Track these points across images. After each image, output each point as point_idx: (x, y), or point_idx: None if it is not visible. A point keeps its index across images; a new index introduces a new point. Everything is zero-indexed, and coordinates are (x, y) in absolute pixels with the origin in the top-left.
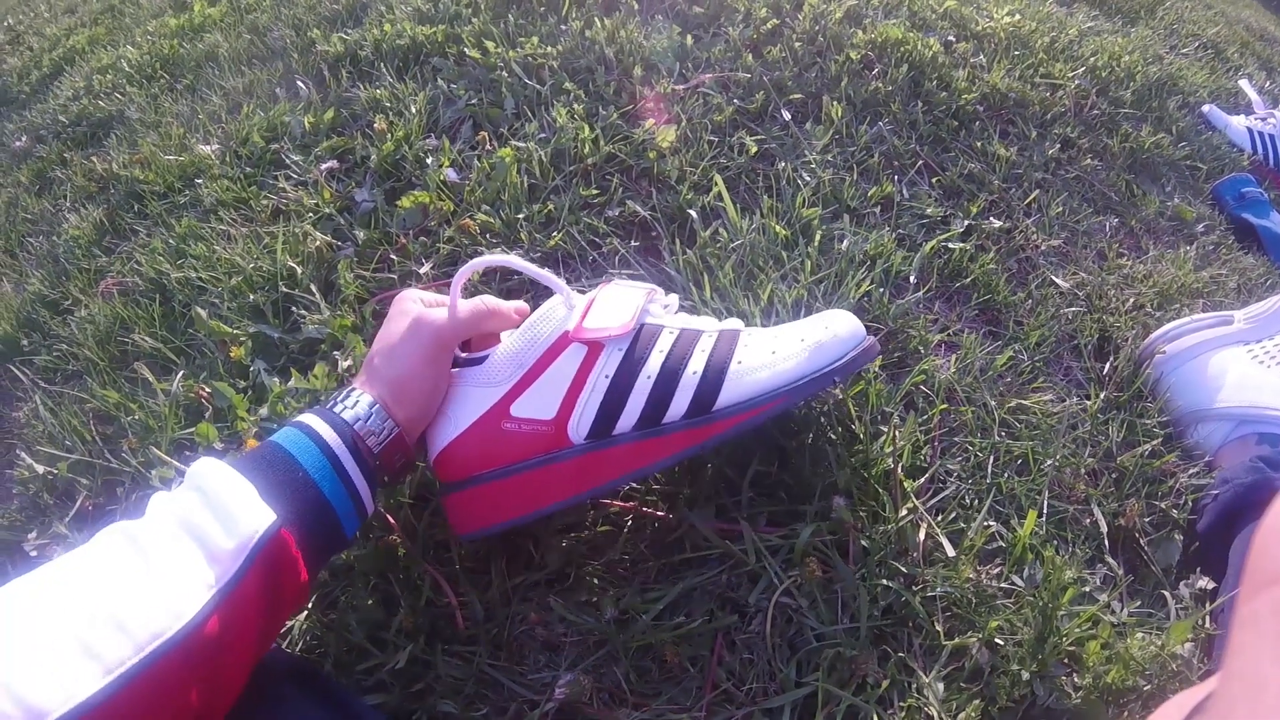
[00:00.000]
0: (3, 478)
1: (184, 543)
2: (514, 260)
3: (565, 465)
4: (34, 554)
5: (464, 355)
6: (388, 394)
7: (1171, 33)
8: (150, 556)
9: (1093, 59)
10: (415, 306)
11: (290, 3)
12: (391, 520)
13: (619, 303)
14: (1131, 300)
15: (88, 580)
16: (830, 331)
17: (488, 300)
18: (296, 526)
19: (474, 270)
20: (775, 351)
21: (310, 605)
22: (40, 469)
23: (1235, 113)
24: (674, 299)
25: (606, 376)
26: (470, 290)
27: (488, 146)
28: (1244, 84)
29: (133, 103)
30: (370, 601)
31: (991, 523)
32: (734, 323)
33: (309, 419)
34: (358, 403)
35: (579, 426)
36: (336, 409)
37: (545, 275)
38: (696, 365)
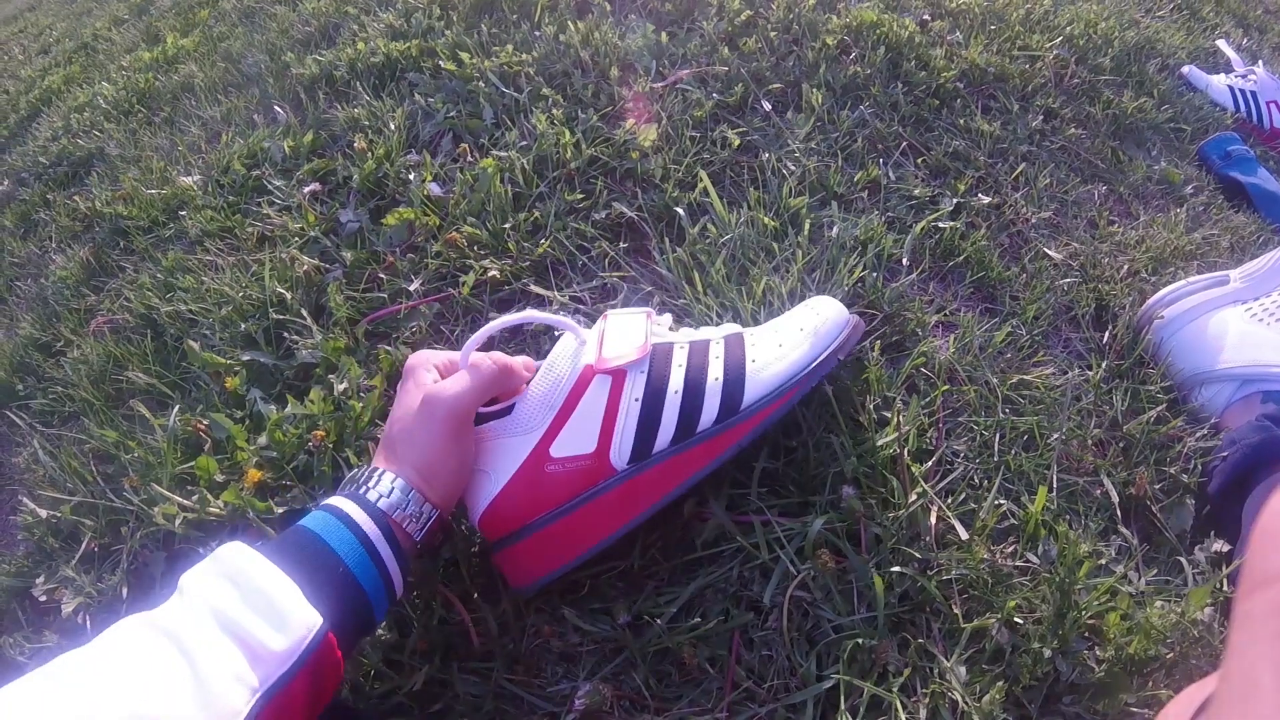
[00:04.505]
0: (7, 524)
1: (226, 643)
2: (530, 315)
3: (614, 494)
4: (43, 599)
5: (488, 410)
6: (417, 477)
7: None
8: (195, 660)
9: (1069, 28)
10: (427, 378)
11: (263, 28)
12: None
13: (627, 329)
14: (1126, 267)
15: (132, 684)
16: (822, 317)
17: (496, 358)
18: (339, 625)
19: (490, 334)
20: (782, 345)
21: None
22: (44, 513)
23: (1215, 72)
24: (667, 317)
25: (636, 400)
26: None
27: (469, 158)
28: (1222, 44)
29: (112, 139)
30: (383, 624)
31: (1002, 501)
32: (730, 326)
33: (344, 505)
34: (393, 489)
35: (620, 452)
36: (369, 494)
37: (556, 319)
38: (716, 372)
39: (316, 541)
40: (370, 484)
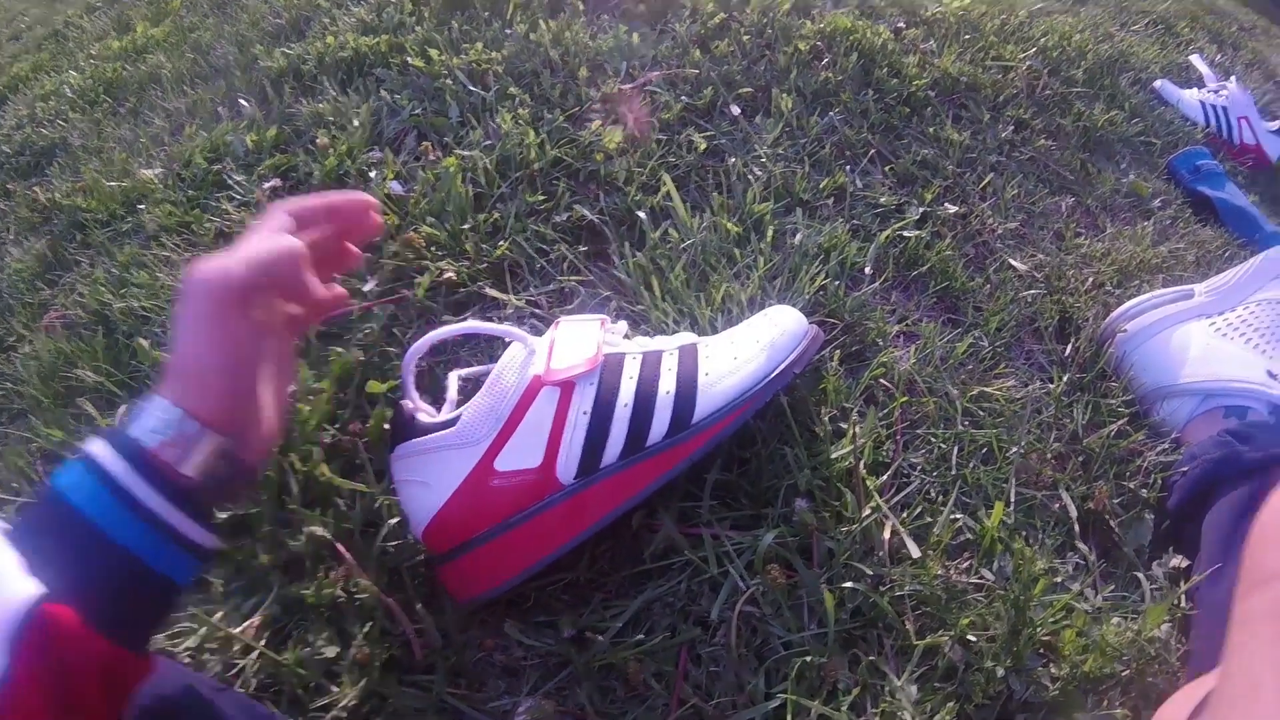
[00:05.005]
0: None
1: None
2: (470, 325)
3: (560, 508)
4: None
5: (433, 420)
6: (186, 390)
7: (1121, 10)
8: None
9: (1043, 39)
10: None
11: (233, 19)
12: (341, 549)
13: (579, 339)
14: (1091, 279)
15: None
16: (779, 328)
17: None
18: (83, 593)
19: (428, 345)
20: (736, 357)
21: (261, 643)
22: None
23: (1187, 86)
24: (622, 324)
25: (585, 413)
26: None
27: (432, 156)
28: (1195, 59)
29: (75, 129)
30: (324, 635)
31: (958, 515)
32: (687, 336)
33: (92, 447)
34: (149, 411)
35: (567, 467)
36: (125, 427)
37: (502, 328)
38: (668, 385)
39: (53, 499)
40: (132, 413)
